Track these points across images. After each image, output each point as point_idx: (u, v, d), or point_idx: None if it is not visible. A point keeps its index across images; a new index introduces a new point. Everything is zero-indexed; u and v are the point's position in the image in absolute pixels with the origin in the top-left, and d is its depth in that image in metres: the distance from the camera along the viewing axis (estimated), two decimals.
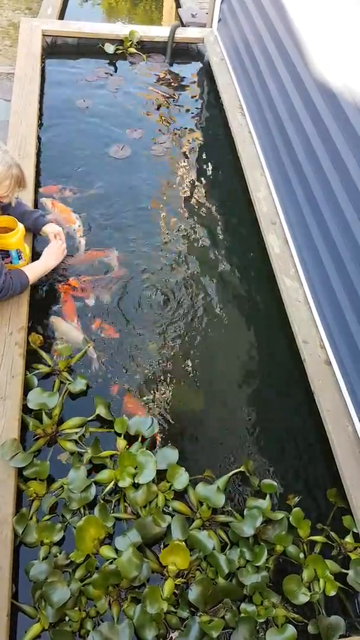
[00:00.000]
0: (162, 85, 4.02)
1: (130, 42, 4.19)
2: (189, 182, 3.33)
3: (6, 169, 2.00)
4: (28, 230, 2.50)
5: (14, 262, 2.40)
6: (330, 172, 2.35)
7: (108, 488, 1.94)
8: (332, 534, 1.98)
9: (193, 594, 1.72)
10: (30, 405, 2.09)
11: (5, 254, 2.35)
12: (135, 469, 1.94)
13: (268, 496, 1.98)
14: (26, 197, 2.75)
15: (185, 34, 4.36)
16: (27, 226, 2.49)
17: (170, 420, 2.23)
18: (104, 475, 1.96)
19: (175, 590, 1.77)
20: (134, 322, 2.52)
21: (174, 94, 3.98)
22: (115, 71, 4.09)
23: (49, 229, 2.53)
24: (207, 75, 4.21)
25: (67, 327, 2.43)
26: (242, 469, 2.07)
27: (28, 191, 2.82)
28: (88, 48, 4.17)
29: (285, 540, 1.89)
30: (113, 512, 1.91)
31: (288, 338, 2.52)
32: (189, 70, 4.27)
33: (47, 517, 1.88)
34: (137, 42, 4.21)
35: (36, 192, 2.98)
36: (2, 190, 2.06)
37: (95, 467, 2.01)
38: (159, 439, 2.15)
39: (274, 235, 2.87)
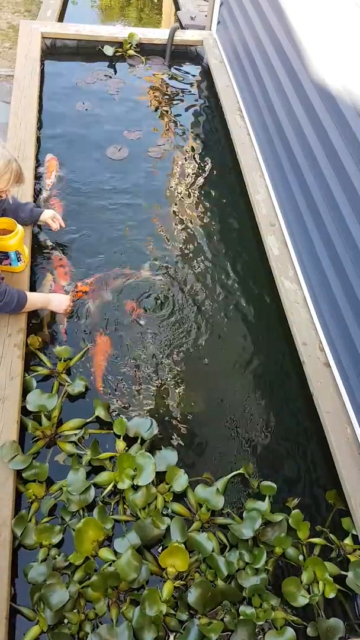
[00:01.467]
0: (161, 88, 4.03)
1: (129, 45, 4.19)
2: (187, 183, 3.33)
3: (6, 163, 2.01)
4: (25, 222, 2.55)
5: (13, 264, 2.40)
6: (329, 174, 2.35)
7: (107, 490, 1.94)
8: (332, 536, 1.97)
9: (192, 596, 1.72)
10: (29, 407, 2.08)
11: (5, 255, 2.36)
12: (134, 470, 1.94)
13: (267, 498, 1.98)
14: (26, 200, 2.75)
15: (184, 36, 4.37)
16: (24, 218, 2.54)
17: (170, 422, 2.23)
18: (103, 477, 1.96)
19: (174, 593, 1.77)
20: (131, 324, 2.52)
21: (173, 96, 3.99)
22: (115, 73, 4.10)
23: (46, 214, 2.61)
24: (206, 77, 4.22)
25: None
26: (241, 471, 2.08)
27: (28, 194, 2.83)
28: (87, 50, 4.18)
29: (285, 543, 1.88)
30: (112, 514, 1.91)
31: (287, 340, 2.52)
32: (188, 73, 4.27)
33: (46, 519, 1.88)
34: (136, 45, 4.22)
35: (35, 192, 2.98)
36: (1, 185, 2.07)
37: (95, 469, 2.01)
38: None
39: (273, 237, 2.87)
